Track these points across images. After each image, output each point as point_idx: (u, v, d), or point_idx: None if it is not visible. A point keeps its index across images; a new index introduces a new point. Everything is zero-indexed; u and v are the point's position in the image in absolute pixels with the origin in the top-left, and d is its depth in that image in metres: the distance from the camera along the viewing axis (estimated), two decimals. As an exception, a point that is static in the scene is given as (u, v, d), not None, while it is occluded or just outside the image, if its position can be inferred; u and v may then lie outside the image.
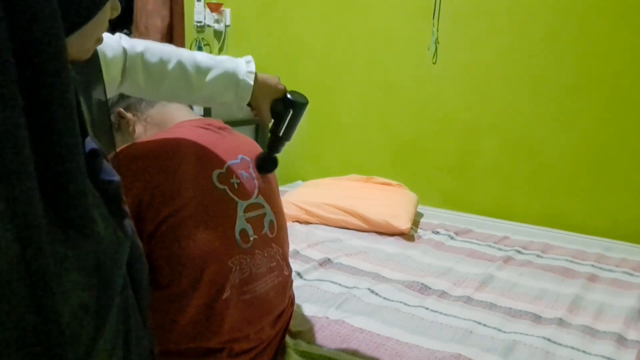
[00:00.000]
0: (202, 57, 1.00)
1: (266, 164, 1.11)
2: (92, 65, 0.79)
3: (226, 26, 3.05)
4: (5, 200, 0.46)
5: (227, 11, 3.02)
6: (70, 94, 0.51)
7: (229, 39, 3.06)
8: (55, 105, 0.50)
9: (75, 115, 0.52)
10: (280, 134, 1.07)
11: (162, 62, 0.95)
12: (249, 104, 1.04)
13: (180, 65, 0.97)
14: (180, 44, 3.11)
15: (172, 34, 3.09)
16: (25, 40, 0.47)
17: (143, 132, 1.17)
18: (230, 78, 1.00)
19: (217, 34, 3.08)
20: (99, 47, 0.82)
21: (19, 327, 0.48)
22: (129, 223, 0.66)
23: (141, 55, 0.93)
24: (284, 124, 1.06)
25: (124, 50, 0.91)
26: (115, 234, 0.60)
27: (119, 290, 0.60)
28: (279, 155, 1.11)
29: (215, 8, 2.99)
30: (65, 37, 0.51)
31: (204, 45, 3.10)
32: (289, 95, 1.06)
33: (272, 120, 1.07)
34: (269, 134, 1.08)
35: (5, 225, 0.45)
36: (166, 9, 3.01)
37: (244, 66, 1.02)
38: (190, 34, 3.13)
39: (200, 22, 3.08)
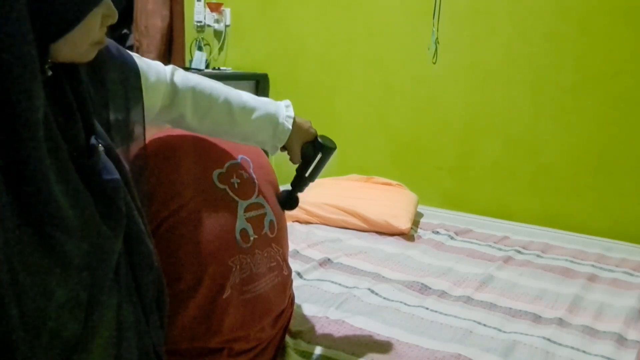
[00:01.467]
0: (248, 97, 1.05)
1: (289, 201, 1.17)
2: (131, 79, 0.81)
3: (226, 26, 3.05)
4: None
5: (227, 11, 3.02)
6: (35, 98, 0.52)
7: (229, 39, 3.06)
8: (16, 117, 0.51)
9: (37, 118, 0.53)
10: (307, 175, 1.13)
11: (211, 98, 0.99)
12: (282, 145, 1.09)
13: (227, 102, 1.01)
14: (180, 44, 3.11)
15: (172, 34, 3.09)
16: None
17: None
18: (270, 120, 1.05)
19: (217, 34, 3.09)
20: (141, 68, 0.85)
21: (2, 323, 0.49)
22: (124, 222, 0.66)
23: (192, 89, 0.97)
24: (311, 165, 1.12)
25: (173, 83, 0.94)
26: (98, 233, 0.60)
27: (105, 285, 0.61)
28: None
29: (215, 8, 2.99)
30: (33, 44, 0.52)
31: (204, 45, 3.10)
32: (319, 139, 1.11)
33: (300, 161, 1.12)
34: (296, 173, 1.14)
35: None
36: (166, 8, 3.01)
37: (284, 110, 1.07)
38: (190, 33, 3.13)
39: (200, 22, 3.08)
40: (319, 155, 1.11)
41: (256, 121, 1.03)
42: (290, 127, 1.06)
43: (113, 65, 0.78)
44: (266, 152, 1.16)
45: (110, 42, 0.80)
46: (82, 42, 0.60)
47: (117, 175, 0.66)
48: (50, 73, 0.60)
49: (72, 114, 0.62)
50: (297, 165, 1.14)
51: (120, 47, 0.82)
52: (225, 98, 1.01)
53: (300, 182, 1.14)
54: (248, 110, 1.03)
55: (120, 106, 0.78)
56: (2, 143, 0.51)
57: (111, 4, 0.62)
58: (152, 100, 0.90)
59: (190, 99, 0.96)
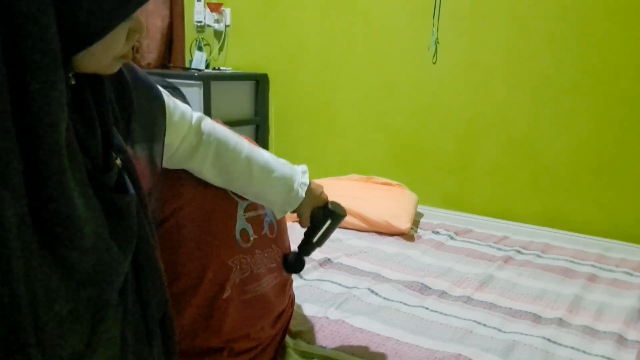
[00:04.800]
0: (269, 157, 1.04)
1: (295, 264, 1.15)
2: (156, 107, 0.80)
3: (226, 26, 3.05)
4: None
5: (227, 11, 3.02)
6: (55, 113, 0.51)
7: (229, 39, 3.06)
8: (38, 124, 0.50)
9: (59, 133, 0.52)
10: (315, 241, 1.12)
11: (235, 152, 0.98)
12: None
13: (248, 159, 1.00)
14: (180, 44, 3.12)
15: (172, 34, 3.10)
16: (14, 55, 0.48)
17: None
18: (285, 183, 1.04)
19: (217, 34, 3.09)
20: (167, 104, 0.84)
21: None
22: (135, 241, 0.65)
23: (217, 140, 0.96)
24: (320, 231, 1.11)
25: (200, 132, 0.93)
26: (108, 251, 0.59)
27: (109, 304, 0.60)
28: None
29: (215, 8, 2.99)
30: (59, 55, 0.51)
31: (204, 45, 3.10)
32: (330, 206, 1.10)
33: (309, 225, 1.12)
34: (303, 237, 1.13)
35: None
36: (166, 8, 3.01)
37: (300, 176, 1.06)
38: (190, 34, 3.14)
39: (200, 22, 3.09)
40: (328, 222, 1.11)
41: (271, 182, 1.02)
42: (304, 194, 1.05)
43: (141, 90, 0.77)
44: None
45: (140, 71, 0.79)
46: (104, 56, 0.59)
47: (132, 192, 0.64)
48: (73, 82, 0.59)
49: (92, 125, 0.61)
50: (305, 229, 1.13)
51: (149, 77, 0.81)
52: (247, 155, 0.99)
53: (307, 246, 1.13)
54: (267, 170, 1.02)
55: (143, 131, 0.76)
56: (24, 157, 0.49)
57: (139, 19, 0.60)
58: (172, 138, 0.88)
59: (214, 151, 0.95)
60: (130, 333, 0.64)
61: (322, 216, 1.10)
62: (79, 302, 0.55)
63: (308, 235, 1.13)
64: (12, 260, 0.48)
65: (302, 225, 1.11)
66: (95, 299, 0.57)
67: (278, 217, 1.09)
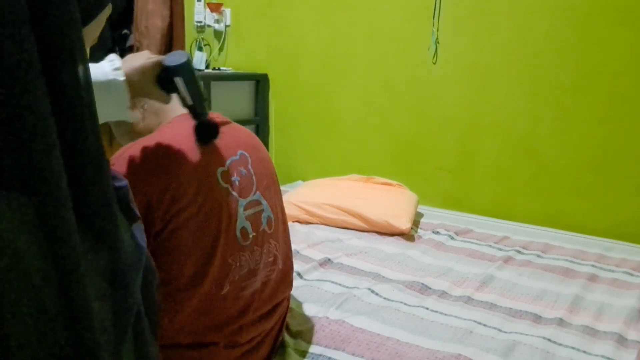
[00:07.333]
0: None
1: (205, 133, 1.04)
2: None
3: (226, 26, 3.05)
4: (36, 210, 0.43)
5: (227, 11, 3.02)
6: (90, 92, 0.49)
7: (229, 39, 3.06)
8: (78, 106, 0.48)
9: (96, 115, 0.49)
10: (191, 103, 1.00)
11: None
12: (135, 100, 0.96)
13: None
14: (181, 44, 3.11)
15: (172, 34, 3.09)
16: (45, 40, 0.45)
17: (141, 119, 1.15)
18: (98, 86, 0.87)
19: (217, 34, 3.09)
20: None
21: (52, 335, 0.45)
22: (140, 227, 0.64)
23: None
24: (184, 92, 0.98)
25: None
26: (134, 241, 0.58)
27: (137, 298, 0.59)
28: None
29: (215, 8, 2.99)
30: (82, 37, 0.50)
31: (204, 45, 3.10)
32: (167, 64, 0.96)
33: (174, 95, 1.00)
34: (185, 108, 1.02)
35: (35, 235, 0.43)
36: (166, 9, 3.01)
37: (108, 66, 0.90)
38: (190, 34, 3.13)
39: (201, 22, 3.09)
40: (179, 79, 0.96)
41: None
42: (122, 78, 0.89)
43: None
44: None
45: None
46: (93, 36, 0.57)
47: (124, 181, 0.64)
48: None
49: None
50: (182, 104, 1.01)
51: None
52: None
53: (194, 111, 1.01)
54: None
55: None
56: (65, 152, 0.46)
57: None
58: None
59: None
60: (146, 326, 0.64)
61: (170, 79, 0.96)
62: (112, 301, 0.54)
63: (184, 104, 1.00)
64: (80, 260, 0.46)
65: (165, 102, 1.00)
66: (124, 294, 0.56)
67: (131, 120, 0.97)
